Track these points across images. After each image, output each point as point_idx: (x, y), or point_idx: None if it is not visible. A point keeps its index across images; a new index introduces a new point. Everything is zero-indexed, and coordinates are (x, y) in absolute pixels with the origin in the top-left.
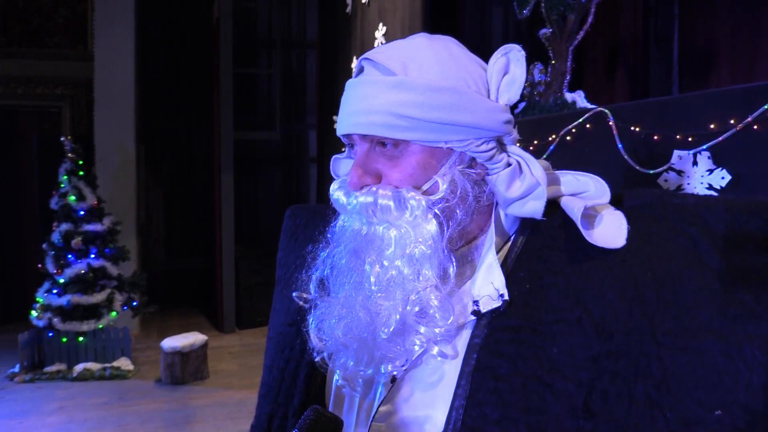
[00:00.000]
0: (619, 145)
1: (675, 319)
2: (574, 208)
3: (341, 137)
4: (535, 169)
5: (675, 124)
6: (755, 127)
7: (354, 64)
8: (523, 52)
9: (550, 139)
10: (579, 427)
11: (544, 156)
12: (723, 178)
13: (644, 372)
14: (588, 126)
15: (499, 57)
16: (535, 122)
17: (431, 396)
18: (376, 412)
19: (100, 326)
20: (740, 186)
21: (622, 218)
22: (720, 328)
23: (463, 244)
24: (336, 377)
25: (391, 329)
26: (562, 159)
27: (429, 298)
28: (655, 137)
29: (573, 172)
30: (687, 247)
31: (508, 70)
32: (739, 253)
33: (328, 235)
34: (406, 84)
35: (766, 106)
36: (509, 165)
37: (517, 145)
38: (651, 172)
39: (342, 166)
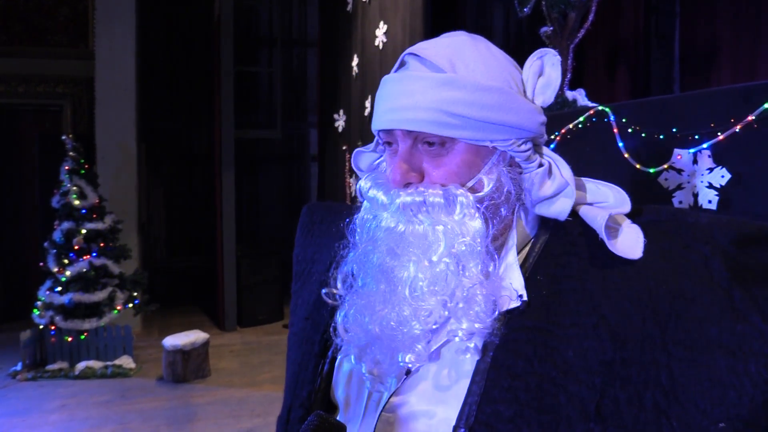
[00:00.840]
0: (620, 144)
1: (685, 332)
2: (596, 217)
3: (377, 132)
4: (565, 170)
5: (675, 122)
6: (755, 126)
7: (355, 62)
8: (558, 57)
9: (551, 137)
10: (589, 430)
11: None
12: (723, 176)
13: (654, 380)
14: (588, 124)
15: (535, 60)
16: None
17: (444, 390)
18: (387, 402)
19: (102, 324)
20: (740, 185)
21: (639, 232)
22: (728, 344)
23: (498, 236)
24: (362, 369)
25: (434, 326)
26: (562, 158)
27: (475, 294)
28: (656, 136)
29: (595, 180)
30: (699, 265)
31: (543, 73)
32: (749, 274)
33: (354, 231)
34: (456, 82)
35: (766, 105)
36: (541, 165)
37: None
38: (651, 170)
39: (364, 159)
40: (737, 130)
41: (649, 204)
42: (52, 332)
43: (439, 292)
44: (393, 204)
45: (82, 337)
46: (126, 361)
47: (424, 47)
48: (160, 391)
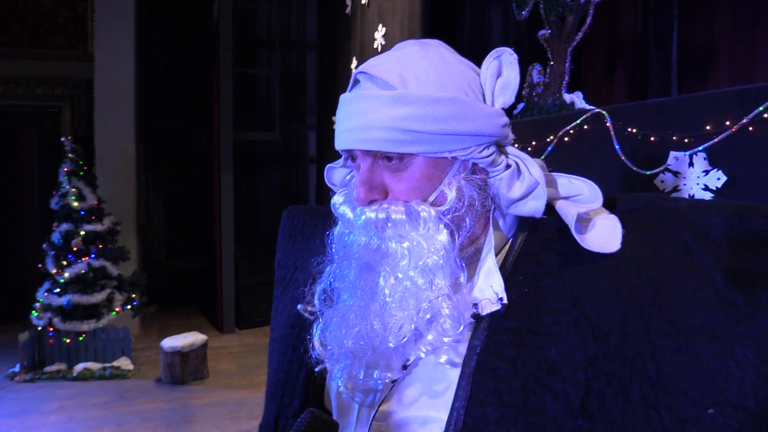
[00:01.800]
0: (617, 147)
1: (669, 322)
2: (568, 214)
3: (340, 151)
4: (534, 169)
5: (671, 125)
6: (750, 128)
7: (354, 64)
8: (515, 55)
9: (548, 140)
10: (577, 427)
11: (542, 157)
12: (719, 179)
13: (640, 373)
14: (585, 127)
15: (492, 61)
16: (533, 123)
17: (432, 396)
18: (376, 411)
19: (100, 326)
20: (736, 187)
21: (617, 222)
22: (713, 330)
23: (468, 245)
24: (338, 383)
25: (403, 339)
26: (560, 160)
27: (441, 307)
28: (652, 138)
29: (567, 174)
30: (680, 251)
31: (501, 73)
32: (731, 257)
33: (332, 246)
34: (406, 97)
35: (760, 108)
36: (509, 167)
37: (514, 145)
38: (648, 173)
39: (336, 174)
40: (732, 132)
41: (629, 192)
42: (51, 334)
43: (405, 307)
44: (359, 220)
45: (81, 338)
46: (124, 363)
47: (373, 64)
48: (159, 393)
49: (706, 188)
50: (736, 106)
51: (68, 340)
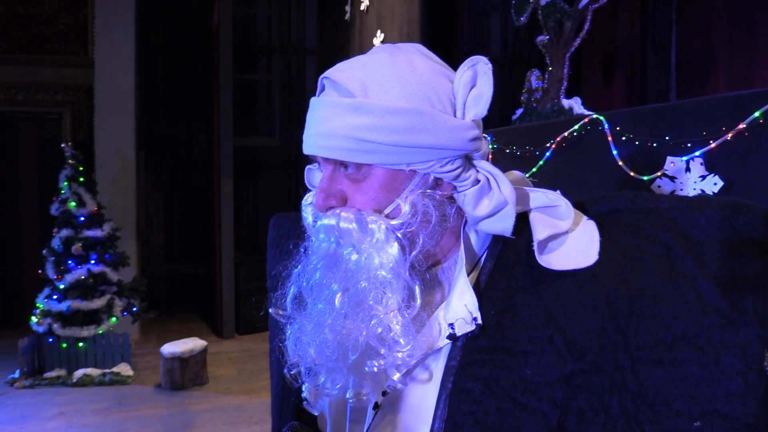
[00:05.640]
0: (614, 152)
1: (649, 332)
2: (537, 232)
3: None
4: (504, 186)
5: (668, 130)
6: (746, 134)
7: None
8: (489, 65)
9: (546, 145)
10: None
11: (541, 162)
12: (715, 184)
13: (619, 387)
14: (583, 132)
15: (465, 70)
16: (531, 129)
17: (414, 419)
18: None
19: (100, 332)
20: (732, 192)
21: (594, 230)
22: (695, 338)
23: (430, 265)
24: (304, 389)
25: (357, 352)
26: (558, 165)
27: (391, 322)
28: (649, 144)
29: (544, 189)
30: (660, 256)
31: (476, 83)
32: (714, 259)
33: (305, 248)
34: (364, 107)
35: (756, 114)
36: (478, 182)
37: (488, 159)
38: (645, 178)
39: (316, 176)
40: (729, 138)
41: (611, 192)
42: (50, 340)
43: (355, 319)
44: (315, 226)
45: (80, 344)
46: (124, 369)
47: (339, 69)
48: (158, 399)
49: (703, 193)
50: (732, 111)
51: (68, 346)
